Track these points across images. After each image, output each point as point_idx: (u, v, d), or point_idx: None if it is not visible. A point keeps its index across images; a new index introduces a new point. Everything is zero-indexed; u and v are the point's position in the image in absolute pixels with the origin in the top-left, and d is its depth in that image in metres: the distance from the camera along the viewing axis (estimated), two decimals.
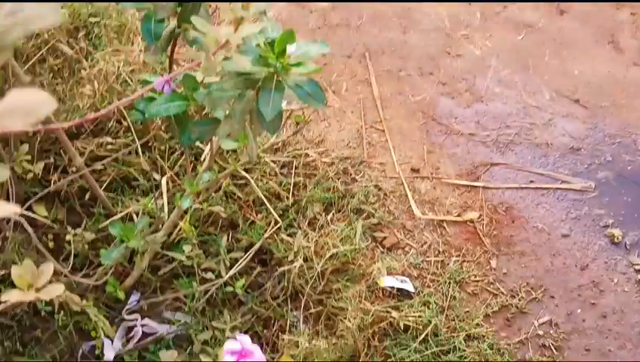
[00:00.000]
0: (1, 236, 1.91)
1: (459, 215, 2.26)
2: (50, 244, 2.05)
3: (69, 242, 1.96)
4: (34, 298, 0.86)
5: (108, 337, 1.92)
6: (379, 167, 2.38)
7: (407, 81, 2.63)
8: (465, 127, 2.49)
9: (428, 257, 2.15)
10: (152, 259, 2.00)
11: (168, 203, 2.04)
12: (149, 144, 2.22)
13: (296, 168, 2.31)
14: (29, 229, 1.74)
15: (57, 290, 0.90)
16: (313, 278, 2.01)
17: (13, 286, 1.86)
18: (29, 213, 1.89)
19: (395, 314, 1.96)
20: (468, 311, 2.03)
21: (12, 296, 0.85)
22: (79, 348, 1.92)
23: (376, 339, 1.92)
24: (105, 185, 2.10)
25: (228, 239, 2.08)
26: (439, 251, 2.17)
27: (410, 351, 1.90)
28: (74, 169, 1.95)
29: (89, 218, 2.07)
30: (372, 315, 1.93)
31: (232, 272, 1.96)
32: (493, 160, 2.40)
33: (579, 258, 2.16)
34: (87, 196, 2.08)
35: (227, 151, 2.20)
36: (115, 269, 2.00)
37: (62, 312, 1.91)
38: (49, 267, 0.89)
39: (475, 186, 2.33)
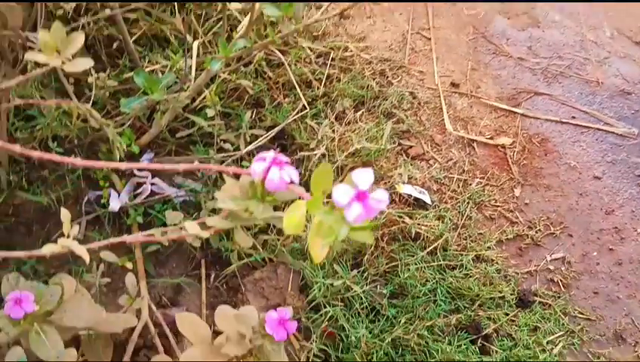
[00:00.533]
0: (20, 67, 1.84)
1: (491, 138, 2.16)
2: (70, 88, 1.99)
3: (89, 87, 1.90)
4: (59, 64, 0.79)
5: (115, 189, 1.89)
6: (418, 75, 2.27)
7: None
8: (515, 50, 2.36)
9: (451, 174, 2.08)
10: (172, 121, 1.94)
11: (197, 68, 1.96)
12: (186, 5, 2.11)
13: (332, 60, 2.21)
14: None
15: (86, 63, 0.83)
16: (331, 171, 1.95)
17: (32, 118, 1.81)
18: None
19: (408, 220, 1.91)
20: (481, 234, 1.98)
21: (37, 57, 0.78)
22: (85, 195, 1.89)
23: (384, 241, 1.87)
24: (135, 37, 2.02)
25: (251, 116, 2.01)
26: (464, 170, 2.09)
27: (416, 259, 1.85)
28: (108, 11, 1.86)
29: (113, 68, 2.00)
30: (385, 217, 1.88)
31: (250, 147, 1.90)
32: (538, 89, 2.28)
33: (606, 202, 2.07)
34: (114, 45, 2.00)
35: (265, 27, 2.10)
36: (133, 124, 1.94)
37: (72, 155, 1.87)
38: (80, 37, 0.81)
39: (514, 112, 2.22)
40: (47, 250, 0.85)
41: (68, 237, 0.89)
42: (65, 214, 0.91)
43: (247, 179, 0.81)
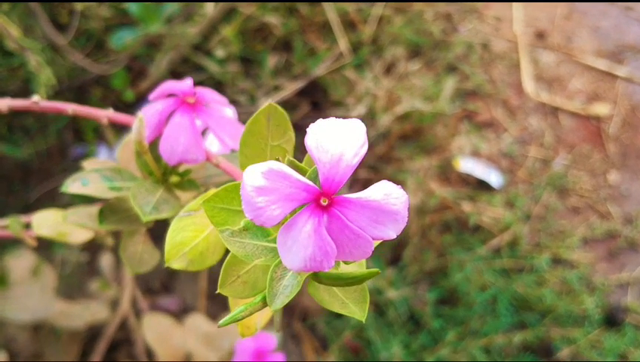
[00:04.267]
0: None
1: (582, 106, 1.69)
2: (65, 19, 1.65)
3: (85, 17, 1.55)
4: None
5: (108, 144, 1.55)
6: (492, 23, 1.81)
7: None
8: None
9: (527, 149, 1.63)
10: (179, 63, 1.57)
11: None
12: None
13: None
14: None
15: None
16: (373, 138, 1.54)
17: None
18: None
19: (466, 206, 1.49)
20: (562, 229, 1.54)
21: None
22: (72, 150, 1.57)
23: (433, 231, 1.47)
24: None
25: (276, 62, 1.61)
26: (543, 145, 1.64)
27: (474, 256, 1.44)
28: None
29: None
30: (437, 200, 1.47)
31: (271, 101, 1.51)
32: None
33: None
34: None
35: None
36: (133, 67, 1.59)
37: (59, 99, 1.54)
38: None
39: (614, 75, 1.74)
40: None
41: None
42: None
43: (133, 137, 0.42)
